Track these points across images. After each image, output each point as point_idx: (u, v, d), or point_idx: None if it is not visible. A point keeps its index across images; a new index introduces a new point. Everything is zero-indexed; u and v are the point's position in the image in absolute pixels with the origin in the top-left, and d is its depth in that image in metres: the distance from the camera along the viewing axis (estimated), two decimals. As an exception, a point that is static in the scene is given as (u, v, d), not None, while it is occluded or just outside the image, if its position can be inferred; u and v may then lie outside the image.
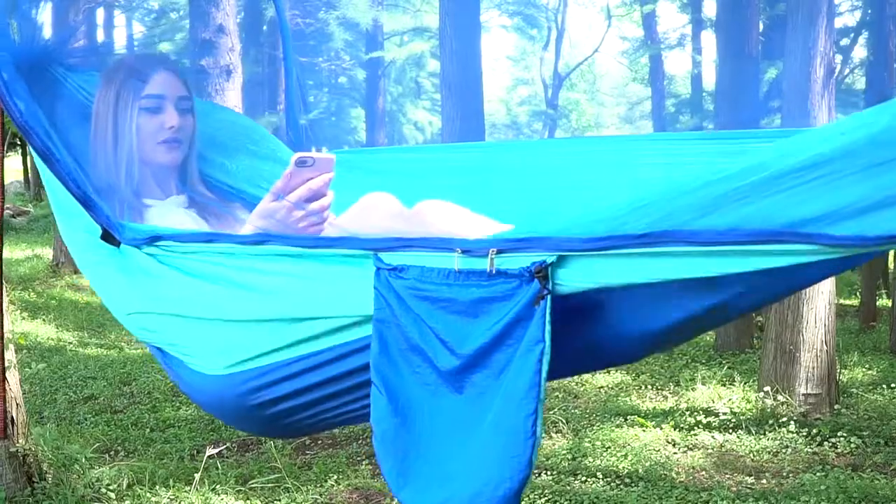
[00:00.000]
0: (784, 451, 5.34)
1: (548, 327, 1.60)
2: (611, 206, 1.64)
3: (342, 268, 1.85)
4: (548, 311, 1.60)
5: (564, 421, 5.85)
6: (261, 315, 1.99)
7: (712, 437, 5.58)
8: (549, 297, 1.60)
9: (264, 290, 1.96)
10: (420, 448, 1.79)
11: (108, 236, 2.18)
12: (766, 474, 4.98)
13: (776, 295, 1.93)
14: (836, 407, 5.99)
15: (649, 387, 6.90)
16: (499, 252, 1.64)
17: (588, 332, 1.87)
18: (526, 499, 4.55)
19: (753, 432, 5.62)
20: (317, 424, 2.17)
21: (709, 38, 24.78)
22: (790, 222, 1.43)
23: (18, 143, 24.52)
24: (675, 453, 5.34)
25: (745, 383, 6.60)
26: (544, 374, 1.61)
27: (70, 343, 8.59)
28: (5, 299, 2.68)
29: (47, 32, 2.51)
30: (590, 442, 5.49)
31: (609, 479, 4.85)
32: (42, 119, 2.22)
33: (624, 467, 5.03)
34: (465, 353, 1.70)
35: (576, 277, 1.61)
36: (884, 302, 9.79)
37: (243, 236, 2.01)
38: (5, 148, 2.34)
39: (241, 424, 2.32)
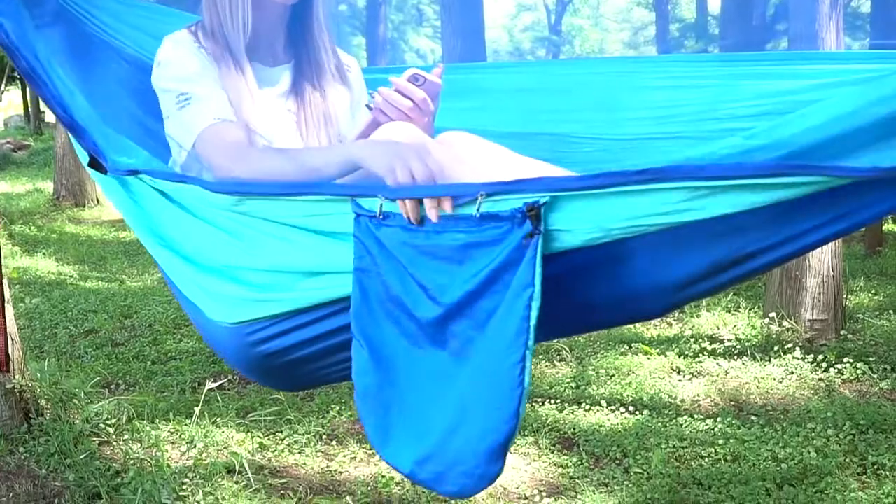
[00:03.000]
0: (789, 377, 5.29)
1: (538, 270, 1.48)
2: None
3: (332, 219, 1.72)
4: (538, 253, 1.47)
5: (568, 349, 5.81)
6: (256, 265, 1.90)
7: (717, 364, 5.54)
8: (539, 237, 1.47)
9: (252, 238, 1.87)
10: (402, 403, 1.69)
11: (95, 164, 2.10)
12: (772, 401, 4.95)
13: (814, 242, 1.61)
14: (842, 333, 5.93)
15: (653, 314, 6.83)
16: (488, 196, 1.50)
17: (606, 287, 1.72)
18: (529, 427, 4.53)
19: (759, 359, 5.58)
20: (331, 375, 2.06)
21: (715, -40, 24.39)
22: (798, 153, 1.34)
23: (18, 76, 24.40)
24: (679, 381, 5.30)
25: (751, 309, 6.54)
26: (533, 322, 1.49)
27: (71, 277, 8.54)
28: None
29: None
30: (594, 370, 5.45)
31: (613, 407, 4.82)
32: (34, 41, 2.12)
33: (628, 395, 5.00)
34: (447, 301, 1.58)
35: (573, 220, 1.48)
36: (890, 227, 9.71)
37: (211, 183, 1.87)
38: (4, 82, 2.27)
39: (256, 376, 2.22)
